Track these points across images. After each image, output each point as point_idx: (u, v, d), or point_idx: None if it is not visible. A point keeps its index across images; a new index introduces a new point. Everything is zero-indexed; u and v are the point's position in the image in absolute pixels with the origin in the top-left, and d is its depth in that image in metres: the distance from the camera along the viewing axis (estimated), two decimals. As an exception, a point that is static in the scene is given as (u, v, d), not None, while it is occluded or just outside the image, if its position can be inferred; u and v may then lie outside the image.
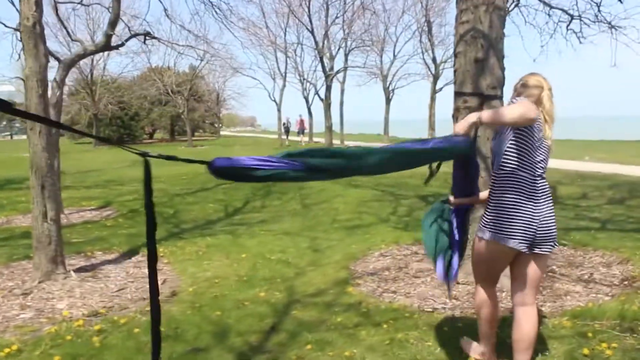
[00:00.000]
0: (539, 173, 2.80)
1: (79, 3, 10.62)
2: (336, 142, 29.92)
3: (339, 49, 29.15)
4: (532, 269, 2.91)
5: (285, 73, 31.23)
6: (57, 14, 10.11)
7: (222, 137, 53.63)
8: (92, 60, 34.46)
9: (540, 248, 2.82)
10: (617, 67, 9.03)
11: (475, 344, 3.37)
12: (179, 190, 12.56)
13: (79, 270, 5.87)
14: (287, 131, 34.92)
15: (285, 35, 29.55)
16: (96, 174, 17.85)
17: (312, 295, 4.80)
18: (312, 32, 26.29)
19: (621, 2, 7.37)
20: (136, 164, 21.72)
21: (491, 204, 2.88)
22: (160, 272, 5.93)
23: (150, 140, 49.28)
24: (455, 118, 5.00)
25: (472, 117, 2.76)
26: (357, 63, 34.03)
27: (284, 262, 5.93)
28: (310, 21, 26.11)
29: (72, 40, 10.18)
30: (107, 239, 7.53)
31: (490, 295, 3.11)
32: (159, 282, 5.68)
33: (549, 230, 2.80)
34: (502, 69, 4.91)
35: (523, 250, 2.78)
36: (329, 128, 27.85)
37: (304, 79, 30.79)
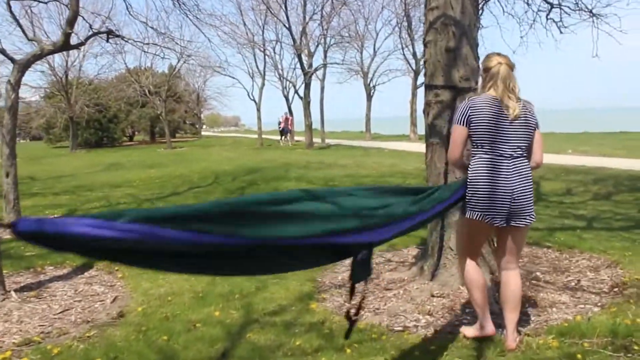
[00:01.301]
0: (508, 154, 3.11)
1: (35, 0, 10.02)
2: (317, 140, 29.47)
3: (317, 46, 28.69)
4: (513, 240, 3.30)
5: (264, 71, 30.65)
6: (11, 11, 9.50)
7: (203, 138, 52.92)
8: (67, 62, 33.69)
9: (515, 221, 3.16)
10: (599, 58, 8.64)
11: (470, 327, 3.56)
12: (149, 195, 12.03)
13: (22, 289, 5.35)
14: (287, 132, 32.33)
15: (263, 33, 28.95)
16: (67, 179, 17.20)
17: (272, 313, 4.32)
18: (289, 28, 25.77)
19: (603, -14, 6.97)
20: (110, 167, 21.16)
21: (468, 186, 3.15)
22: (112, 289, 5.46)
23: (130, 143, 48.43)
24: (427, 113, 4.56)
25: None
26: (336, 60, 33.59)
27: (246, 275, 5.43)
28: (287, 18, 25.61)
29: (28, 39, 9.55)
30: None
31: (474, 264, 3.39)
32: (109, 301, 5.24)
33: (522, 206, 3.13)
34: (477, 58, 4.48)
35: (500, 225, 3.14)
36: (308, 127, 27.35)
37: (283, 78, 30.26)
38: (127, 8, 9.88)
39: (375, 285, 4.76)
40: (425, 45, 4.57)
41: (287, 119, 31.64)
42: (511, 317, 3.31)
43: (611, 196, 8.98)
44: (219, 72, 34.12)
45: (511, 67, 3.18)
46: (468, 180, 3.17)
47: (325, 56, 29.23)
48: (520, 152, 3.14)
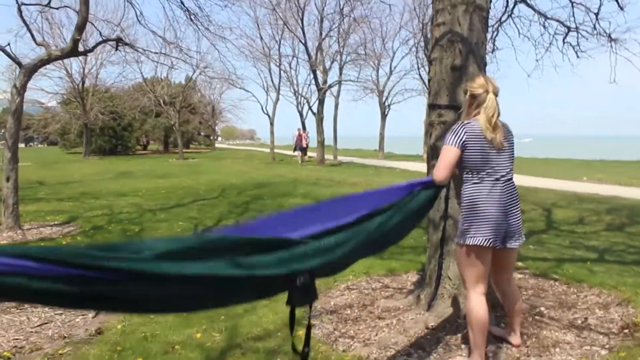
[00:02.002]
0: (499, 176, 3.16)
1: (46, 5, 9.98)
2: (329, 157, 29.25)
3: (332, 62, 28.59)
4: (508, 261, 3.44)
5: (279, 86, 30.58)
6: (22, 16, 9.45)
7: (217, 150, 52.98)
8: (84, 69, 33.97)
9: (510, 242, 3.23)
10: (617, 84, 8.36)
11: None
12: (153, 206, 11.86)
13: (4, 298, 5.15)
14: (301, 149, 29.95)
15: (279, 48, 28.93)
16: (75, 185, 17.12)
17: (256, 338, 4.08)
18: (305, 44, 25.72)
19: (622, 9, 6.72)
20: (120, 175, 21.09)
21: (466, 212, 3.19)
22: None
23: (143, 152, 48.64)
24: (429, 134, 4.32)
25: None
26: (351, 77, 33.48)
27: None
28: (304, 33, 25.57)
29: (37, 44, 9.48)
30: (54, 260, 6.80)
31: (482, 300, 3.27)
32: (91, 315, 5.03)
33: (515, 226, 3.21)
34: (484, 78, 4.23)
35: (498, 247, 3.18)
36: (320, 143, 27.15)
37: (298, 93, 30.16)
38: (136, 16, 9.78)
39: (369, 312, 4.50)
40: (430, 62, 4.35)
41: (300, 135, 30.53)
42: (518, 320, 3.65)
43: (625, 227, 8.63)
44: (234, 84, 34.09)
45: (496, 93, 3.19)
46: (465, 206, 3.20)
47: (341, 73, 29.11)
48: (508, 173, 3.22)
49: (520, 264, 5.91)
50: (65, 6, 10.27)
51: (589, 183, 16.30)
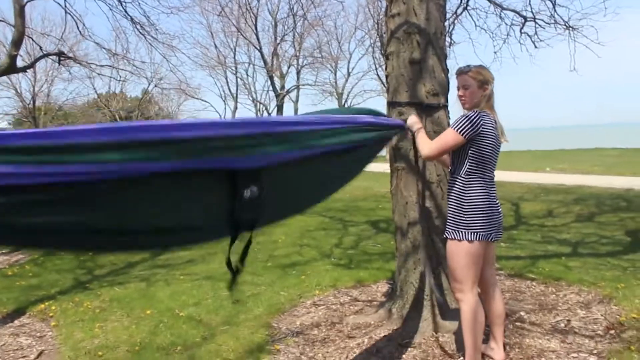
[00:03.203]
0: (493, 172, 3.10)
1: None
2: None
3: (289, 67, 28.23)
4: (491, 254, 3.28)
5: (237, 94, 30.08)
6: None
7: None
8: (34, 87, 32.77)
9: (497, 235, 3.11)
10: (577, 72, 8.23)
11: None
12: (109, 226, 11.26)
13: None
14: None
15: (234, 55, 28.44)
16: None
17: (215, 372, 3.68)
18: (260, 50, 25.32)
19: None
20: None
21: (469, 208, 2.97)
22: (41, 340, 4.76)
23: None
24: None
25: (418, 127, 3.19)
26: (310, 81, 33.15)
27: (194, 321, 4.78)
28: (258, 39, 25.17)
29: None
30: (-4, 294, 6.26)
31: (479, 301, 3.12)
32: (32, 357, 4.54)
33: (502, 220, 3.15)
34: (446, 71, 3.94)
35: (498, 240, 3.16)
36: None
37: (256, 100, 29.68)
38: (78, 28, 9.24)
39: (338, 331, 4.13)
40: (386, 57, 4.02)
41: None
42: (501, 330, 3.33)
43: (594, 217, 8.50)
44: (190, 95, 33.37)
45: None
46: (467, 201, 3.00)
47: (298, 77, 28.81)
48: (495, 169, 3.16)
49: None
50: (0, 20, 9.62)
51: (553, 174, 16.34)
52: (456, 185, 3.05)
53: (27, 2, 9.26)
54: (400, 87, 3.84)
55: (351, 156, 2.67)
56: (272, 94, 27.96)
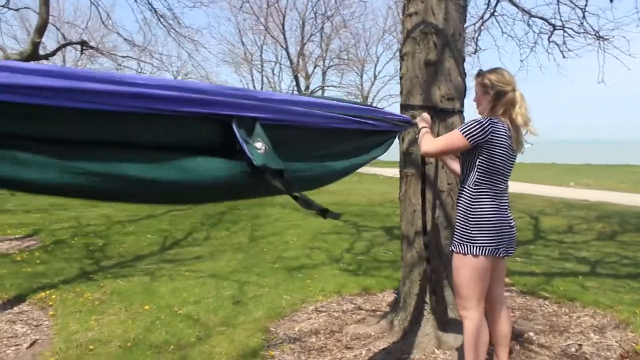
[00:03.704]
0: (506, 184, 2.89)
1: (3, 6, 9.41)
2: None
3: (315, 68, 28.10)
4: (501, 271, 3.04)
5: (262, 92, 29.99)
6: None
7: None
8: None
9: (508, 251, 2.89)
10: (605, 84, 7.94)
11: None
12: (123, 217, 11.28)
13: None
14: None
15: (261, 54, 28.42)
16: (46, 196, 16.43)
17: (205, 375, 3.55)
18: (286, 49, 25.27)
19: (611, 1, 6.27)
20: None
21: (476, 220, 2.79)
22: (37, 330, 4.70)
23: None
24: (401, 139, 3.82)
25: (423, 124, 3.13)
26: (335, 83, 32.95)
27: (192, 319, 4.66)
28: (285, 38, 25.12)
29: (-6, 47, 8.90)
30: (1, 279, 6.23)
31: (484, 320, 2.95)
32: (25, 346, 4.47)
33: (514, 234, 2.91)
34: (463, 74, 3.75)
35: (510, 256, 2.94)
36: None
37: (281, 99, 29.57)
38: (100, 18, 9.22)
39: (336, 341, 3.97)
40: (401, 58, 3.85)
41: None
42: (505, 351, 3.12)
43: (616, 236, 8.20)
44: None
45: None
46: (475, 214, 2.81)
47: (324, 79, 28.67)
48: (508, 181, 2.95)
49: (506, 279, 5.42)
50: (25, 7, 9.67)
51: (577, 189, 15.94)
52: (464, 196, 2.87)
53: (52, -10, 9.27)
54: (414, 90, 3.67)
55: (357, 140, 2.54)
56: (296, 93, 27.85)
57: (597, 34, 7.48)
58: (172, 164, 1.81)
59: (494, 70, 2.86)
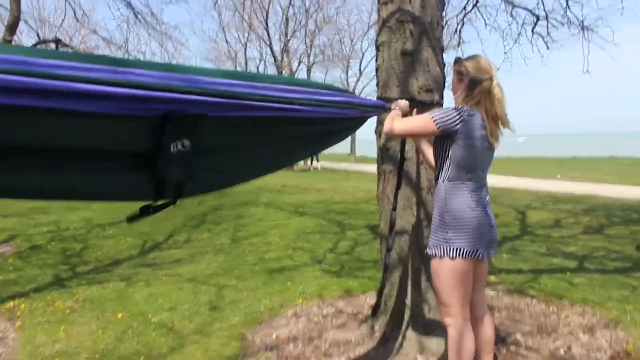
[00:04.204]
0: (484, 177, 2.69)
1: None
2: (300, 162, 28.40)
3: (299, 64, 27.88)
4: (482, 274, 2.81)
5: (247, 90, 29.66)
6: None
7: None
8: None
9: (488, 252, 2.67)
10: (590, 75, 7.82)
11: None
12: (103, 220, 11.00)
13: None
14: None
15: (245, 51, 28.13)
16: (27, 200, 16.08)
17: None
18: (270, 45, 25.01)
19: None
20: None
21: (453, 218, 2.58)
22: (2, 342, 4.47)
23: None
24: (378, 133, 3.63)
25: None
26: (321, 79, 32.70)
27: (165, 328, 4.44)
28: (268, 34, 24.85)
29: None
30: (-29, 288, 5.99)
31: (470, 327, 2.72)
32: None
33: (495, 234, 2.70)
34: (442, 65, 3.57)
35: (490, 256, 2.71)
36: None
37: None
38: (75, 15, 8.96)
39: (315, 348, 3.78)
40: (377, 48, 3.65)
41: None
42: (489, 358, 2.87)
43: (604, 229, 8.07)
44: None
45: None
46: (448, 210, 2.61)
47: (309, 75, 28.43)
48: (486, 178, 2.74)
49: (492, 278, 5.26)
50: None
51: (564, 181, 15.87)
52: (438, 194, 2.67)
53: (22, -13, 9.00)
54: (390, 81, 3.48)
55: (318, 126, 2.38)
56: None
57: (581, 24, 7.36)
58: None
59: (471, 58, 2.67)
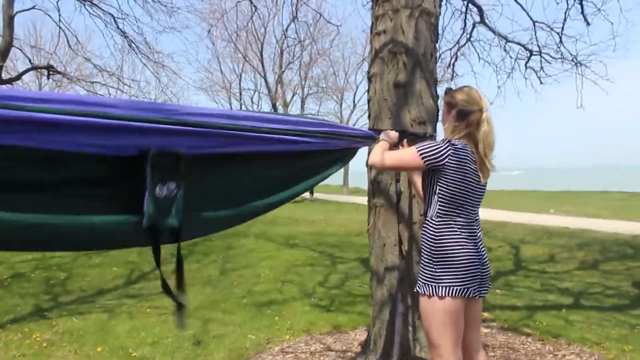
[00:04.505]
0: (475, 213, 2.53)
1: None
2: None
3: (293, 96, 27.95)
4: (476, 313, 2.63)
5: (241, 121, 29.64)
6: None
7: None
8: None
9: (481, 291, 2.51)
10: (584, 109, 7.81)
11: None
12: (91, 248, 10.79)
13: None
14: None
15: (240, 81, 28.21)
16: None
17: None
18: (264, 77, 25.10)
19: (588, 24, 6.13)
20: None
21: (443, 256, 2.43)
22: (-28, 378, 4.27)
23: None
24: (370, 167, 3.52)
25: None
26: (314, 110, 32.78)
27: (146, 364, 4.27)
28: (263, 66, 24.95)
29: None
30: (-53, 320, 5.78)
31: None
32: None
33: (488, 272, 2.55)
34: (435, 97, 3.50)
35: (475, 296, 2.48)
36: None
37: (259, 127, 29.28)
38: (68, 42, 8.92)
39: (302, 388, 3.62)
40: (369, 79, 3.59)
41: None
42: None
43: (599, 264, 7.96)
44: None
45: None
46: (438, 250, 2.45)
47: (302, 107, 28.48)
48: (478, 213, 2.58)
49: (486, 314, 5.12)
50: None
51: (557, 216, 15.80)
52: (427, 230, 2.53)
53: (16, 13, 8.99)
54: (382, 114, 3.41)
55: (305, 162, 2.28)
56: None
57: (574, 59, 7.36)
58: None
59: (461, 89, 2.58)
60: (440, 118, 2.69)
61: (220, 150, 1.82)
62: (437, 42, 3.62)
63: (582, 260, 8.38)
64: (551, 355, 4.10)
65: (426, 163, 2.43)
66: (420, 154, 2.43)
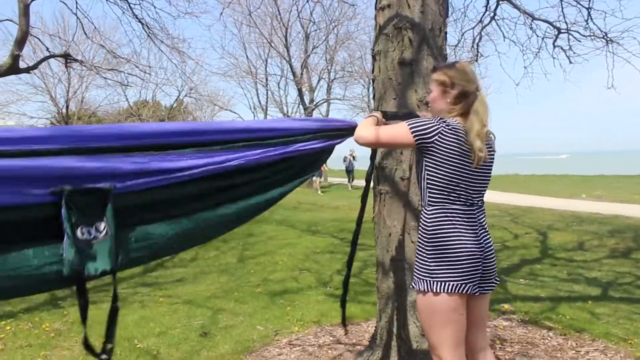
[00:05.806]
0: (471, 202, 2.27)
1: (-17, 19, 9.10)
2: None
3: (319, 80, 27.63)
4: (482, 311, 2.41)
5: (267, 106, 29.58)
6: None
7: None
8: (68, 92, 33.10)
9: (484, 287, 2.31)
10: (615, 89, 7.40)
11: None
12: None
13: None
14: (349, 173, 24.80)
15: (266, 67, 28.03)
16: None
17: None
18: (289, 62, 24.83)
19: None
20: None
21: (432, 247, 2.23)
22: (-23, 368, 4.24)
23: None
24: (374, 150, 3.31)
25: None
26: (340, 95, 32.39)
27: (150, 355, 4.16)
28: (288, 51, 24.69)
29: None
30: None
31: None
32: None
33: (491, 266, 2.32)
34: (445, 76, 3.24)
35: (474, 294, 2.26)
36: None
37: (285, 114, 29.13)
38: (83, 30, 8.85)
39: (305, 384, 3.45)
40: (373, 57, 3.36)
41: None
42: None
43: (631, 253, 7.59)
44: (218, 105, 33.07)
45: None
46: (430, 238, 2.24)
47: (329, 92, 28.15)
48: (481, 199, 2.34)
49: (506, 306, 4.88)
50: (6, 19, 9.36)
51: (589, 201, 15.28)
52: (420, 221, 2.32)
53: (31, 2, 8.93)
54: (387, 94, 3.18)
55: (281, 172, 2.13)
56: (302, 107, 27.37)
57: (605, 36, 6.95)
58: None
59: (453, 65, 2.33)
60: (427, 97, 2.45)
61: (151, 179, 1.65)
62: (447, 16, 3.37)
63: (612, 248, 8.01)
64: (573, 352, 3.85)
65: (415, 139, 2.21)
66: (411, 129, 2.22)
